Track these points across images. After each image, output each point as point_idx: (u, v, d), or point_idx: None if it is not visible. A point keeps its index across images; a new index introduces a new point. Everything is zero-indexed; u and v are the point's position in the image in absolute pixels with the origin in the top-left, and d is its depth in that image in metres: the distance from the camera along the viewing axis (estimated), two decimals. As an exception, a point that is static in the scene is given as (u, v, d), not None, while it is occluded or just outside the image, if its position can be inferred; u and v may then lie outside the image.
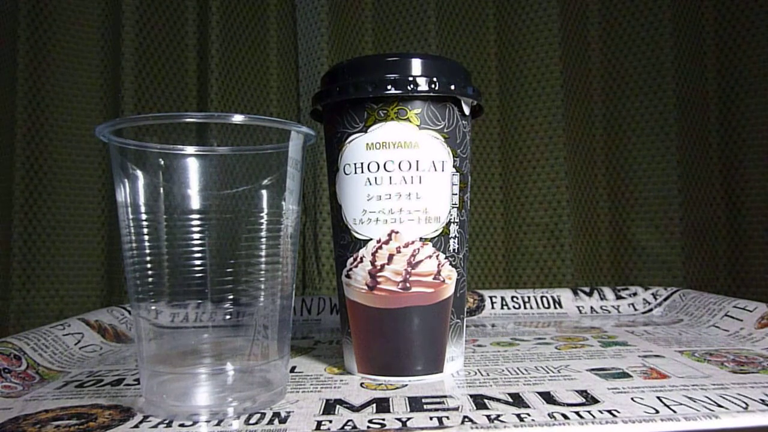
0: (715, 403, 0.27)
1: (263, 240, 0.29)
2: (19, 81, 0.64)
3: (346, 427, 0.25)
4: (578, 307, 0.59)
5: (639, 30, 0.69)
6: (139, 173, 0.28)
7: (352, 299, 0.34)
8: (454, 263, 0.34)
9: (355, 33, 0.69)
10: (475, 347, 0.42)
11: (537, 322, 0.53)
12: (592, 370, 0.34)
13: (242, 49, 0.69)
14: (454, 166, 0.34)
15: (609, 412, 0.26)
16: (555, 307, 0.59)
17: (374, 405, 0.28)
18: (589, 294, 0.60)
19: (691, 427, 0.24)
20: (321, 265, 0.65)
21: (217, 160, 0.30)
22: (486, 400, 0.28)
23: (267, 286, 0.30)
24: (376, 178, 0.33)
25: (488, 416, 0.26)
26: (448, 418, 0.26)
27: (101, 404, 0.30)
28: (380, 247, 0.33)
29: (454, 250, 0.34)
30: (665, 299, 0.58)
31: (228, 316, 0.29)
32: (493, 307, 0.59)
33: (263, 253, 0.29)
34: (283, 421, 0.26)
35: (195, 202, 0.29)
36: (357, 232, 0.33)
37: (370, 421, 0.26)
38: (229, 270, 0.29)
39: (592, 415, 0.26)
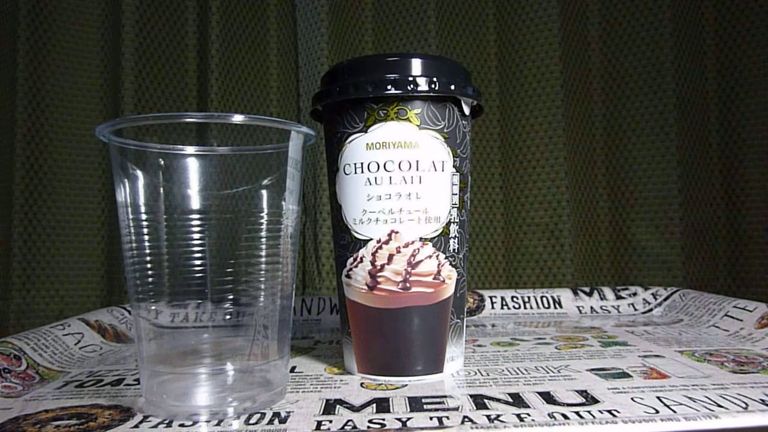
0: (715, 403, 0.27)
1: (263, 240, 0.29)
2: (19, 81, 0.64)
3: (346, 427, 0.25)
4: (578, 307, 0.59)
5: (639, 30, 0.69)
6: (139, 173, 0.28)
7: (352, 299, 0.34)
8: (454, 263, 0.34)
9: (355, 33, 0.69)
10: (475, 347, 0.42)
11: (537, 322, 0.53)
12: (592, 370, 0.34)
13: (242, 49, 0.69)
14: (454, 166, 0.34)
15: (609, 412, 0.26)
16: (555, 307, 0.59)
17: (374, 405, 0.28)
18: (589, 294, 0.60)
19: (691, 427, 0.24)
20: (321, 265, 0.65)
21: (217, 160, 0.30)
22: (486, 400, 0.28)
23: (267, 286, 0.30)
24: (376, 178, 0.33)
25: (488, 416, 0.26)
26: (448, 418, 0.26)
27: (101, 404, 0.30)
28: (380, 247, 0.33)
29: (454, 250, 0.34)
30: (665, 299, 0.58)
31: (228, 316, 0.29)
32: (493, 307, 0.59)
33: (263, 253, 0.29)
34: (283, 421, 0.26)
35: (195, 202, 0.29)
36: (357, 232, 0.33)
37: (370, 421, 0.26)
38: (229, 270, 0.29)
39: (592, 415, 0.26)
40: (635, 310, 0.58)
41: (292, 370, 0.36)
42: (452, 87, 0.33)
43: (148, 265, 0.28)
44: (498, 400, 0.28)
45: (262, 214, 0.30)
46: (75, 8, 0.67)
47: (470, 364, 0.36)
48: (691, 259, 0.68)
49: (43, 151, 0.65)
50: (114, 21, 0.67)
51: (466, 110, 0.34)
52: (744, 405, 0.26)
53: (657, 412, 0.26)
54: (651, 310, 0.58)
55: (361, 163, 0.33)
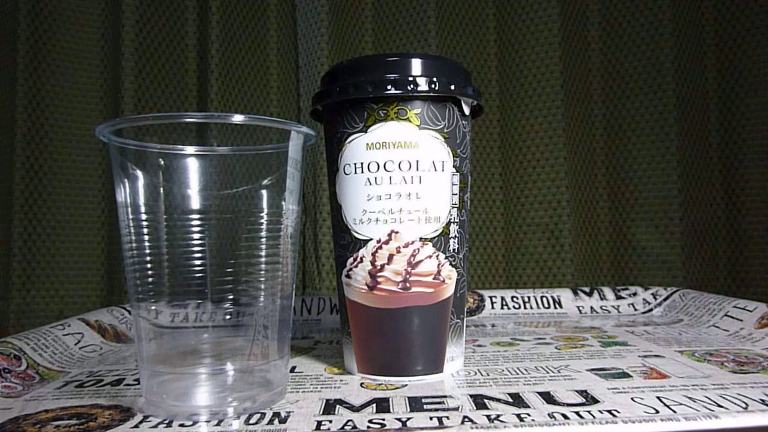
0: (715, 403, 0.27)
1: (263, 240, 0.29)
2: (19, 81, 0.64)
3: (346, 427, 0.25)
4: (578, 307, 0.59)
5: (639, 30, 0.69)
6: (139, 173, 0.28)
7: (352, 299, 0.34)
8: (454, 263, 0.34)
9: (355, 33, 0.69)
10: (475, 347, 0.42)
11: (537, 322, 0.53)
12: (592, 370, 0.34)
13: (242, 49, 0.69)
14: (454, 166, 0.34)
15: (609, 412, 0.26)
16: (555, 307, 0.59)
17: (374, 405, 0.28)
18: (589, 294, 0.60)
19: (691, 427, 0.24)
20: (321, 265, 0.65)
21: (217, 160, 0.30)
22: (486, 400, 0.28)
23: (267, 286, 0.30)
24: (376, 178, 0.33)
25: (488, 416, 0.26)
26: (448, 418, 0.26)
27: (101, 404, 0.30)
28: (380, 247, 0.33)
29: (454, 250, 0.34)
30: (665, 299, 0.58)
31: (228, 316, 0.29)
32: (493, 307, 0.59)
33: (263, 253, 0.29)
34: (283, 421, 0.26)
35: (195, 202, 0.29)
36: (357, 232, 0.33)
37: (370, 421, 0.26)
38: (229, 270, 0.29)
39: (592, 415, 0.26)
40: (635, 310, 0.58)
41: (292, 370, 0.36)
42: (452, 87, 0.33)
43: (148, 265, 0.28)
44: (498, 400, 0.28)
45: (262, 214, 0.30)
46: (75, 8, 0.67)
47: (470, 364, 0.36)
48: (691, 259, 0.68)
49: (43, 151, 0.65)
50: (114, 21, 0.67)
51: (466, 110, 0.34)
52: (744, 405, 0.26)
53: (657, 412, 0.26)
54: (651, 310, 0.58)
55: (361, 163, 0.33)
